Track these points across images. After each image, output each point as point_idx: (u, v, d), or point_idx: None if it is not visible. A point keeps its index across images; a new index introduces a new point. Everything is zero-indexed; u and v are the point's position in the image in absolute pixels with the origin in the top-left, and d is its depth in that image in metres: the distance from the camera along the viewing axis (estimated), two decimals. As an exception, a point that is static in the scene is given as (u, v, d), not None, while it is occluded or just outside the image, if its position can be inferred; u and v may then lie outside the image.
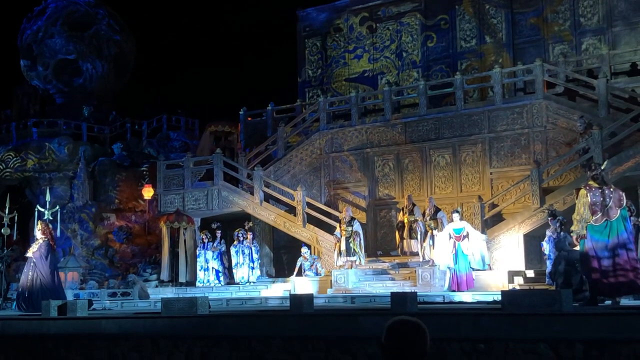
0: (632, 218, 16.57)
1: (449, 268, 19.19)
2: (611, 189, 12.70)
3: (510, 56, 25.89)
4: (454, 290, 18.69)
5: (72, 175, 32.08)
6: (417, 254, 21.77)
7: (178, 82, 42.02)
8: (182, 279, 25.17)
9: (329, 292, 21.02)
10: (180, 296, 20.31)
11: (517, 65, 24.15)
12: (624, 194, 12.84)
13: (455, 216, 19.69)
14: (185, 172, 26.64)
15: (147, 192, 30.02)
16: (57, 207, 22.26)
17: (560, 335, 9.87)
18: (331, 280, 21.62)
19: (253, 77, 40.23)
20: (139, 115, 36.95)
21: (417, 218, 21.95)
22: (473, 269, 19.18)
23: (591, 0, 24.92)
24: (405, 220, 22.35)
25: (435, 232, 20.59)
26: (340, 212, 23.57)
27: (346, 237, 21.96)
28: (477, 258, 19.15)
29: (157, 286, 25.10)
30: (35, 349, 14.08)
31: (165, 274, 25.43)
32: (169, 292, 23.32)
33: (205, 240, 24.58)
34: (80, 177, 31.71)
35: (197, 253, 24.74)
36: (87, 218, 30.72)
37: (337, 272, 21.62)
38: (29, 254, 18.52)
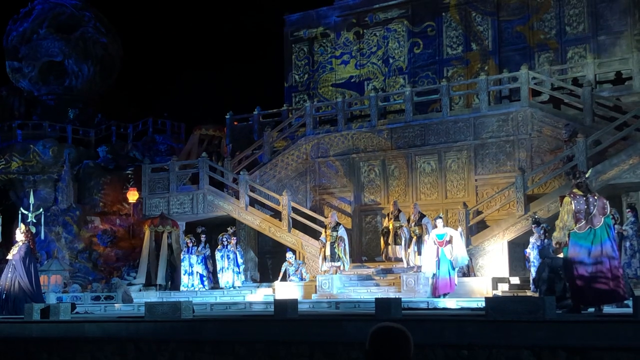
0: (616, 226, 16.69)
1: (434, 274, 19.25)
2: (595, 197, 12.77)
3: (496, 63, 26.02)
4: (437, 296, 18.75)
5: (57, 177, 31.94)
6: (401, 260, 21.81)
7: (164, 85, 41.94)
8: (159, 281, 25.06)
9: (314, 297, 21.01)
10: (164, 300, 20.23)
11: (502, 73, 24.27)
12: (608, 202, 12.91)
13: (439, 222, 19.74)
14: (171, 175, 26.57)
15: (132, 196, 29.93)
16: (41, 209, 22.15)
17: (543, 342, 9.91)
18: (316, 286, 21.61)
19: (240, 81, 40.22)
20: (125, 118, 36.87)
21: (402, 224, 22.00)
22: (453, 269, 19.10)
23: (577, 9, 25.09)
24: (391, 226, 22.39)
25: (425, 237, 20.62)
26: (325, 217, 23.57)
27: (331, 243, 21.97)
28: (459, 258, 19.19)
29: (140, 290, 24.99)
30: (18, 352, 13.97)
31: (142, 278, 25.29)
32: (153, 296, 23.23)
33: (190, 245, 24.52)
34: (64, 179, 31.58)
35: (182, 257, 24.66)
36: (71, 221, 30.58)
37: (322, 277, 21.62)
38: (9, 256, 18.40)
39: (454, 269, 19.12)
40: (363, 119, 26.17)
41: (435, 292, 19.01)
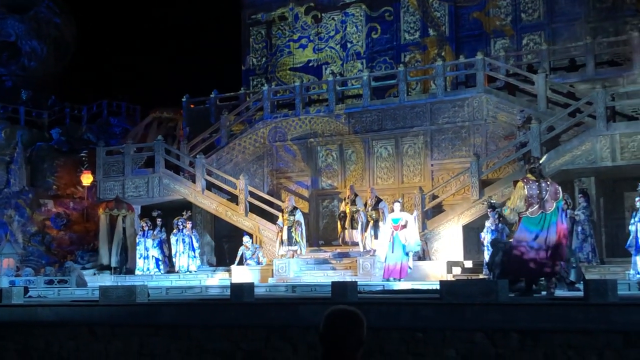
0: (568, 211, 16.98)
1: (386, 258, 19.30)
2: (548, 182, 12.97)
3: (453, 49, 26.18)
4: (386, 279, 18.80)
5: (9, 160, 31.35)
6: (358, 244, 21.91)
7: (120, 67, 41.35)
8: (113, 264, 24.85)
9: (271, 281, 21.02)
10: (119, 284, 20.06)
11: (459, 59, 24.45)
12: (560, 187, 13.13)
13: (397, 206, 19.83)
14: (126, 158, 26.28)
15: (86, 179, 29.55)
16: (-7, 192, 21.75)
17: (497, 324, 10.07)
18: (273, 270, 21.62)
19: (196, 64, 39.82)
20: (79, 100, 36.30)
21: (359, 208, 22.08)
22: (406, 254, 19.13)
23: (532, -3, 25.35)
24: (347, 211, 22.47)
25: (381, 222, 20.71)
26: (282, 202, 23.56)
27: (288, 227, 21.98)
28: (412, 243, 19.21)
29: (95, 274, 24.75)
30: (-32, 337, 13.76)
31: (104, 260, 25.08)
32: (107, 280, 23.02)
33: (146, 228, 24.32)
34: (17, 162, 31.03)
35: (137, 241, 24.45)
36: (23, 204, 30.09)
37: (279, 261, 21.64)
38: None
39: (407, 254, 19.17)
40: (321, 103, 26.16)
41: (386, 276, 19.05)
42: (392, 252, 19.08)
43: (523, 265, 12.63)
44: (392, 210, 20.01)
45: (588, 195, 19.96)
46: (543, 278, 12.88)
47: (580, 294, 11.32)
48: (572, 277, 14.03)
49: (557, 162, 20.22)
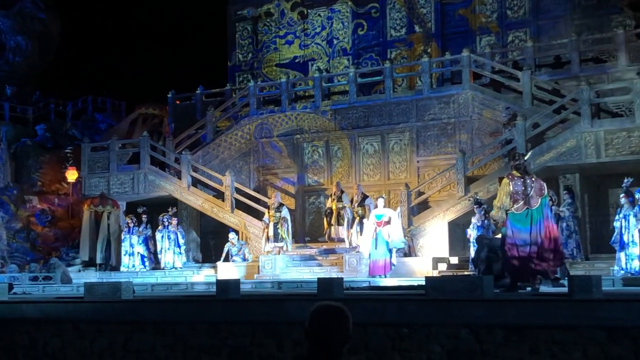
0: (553, 207, 17.05)
1: (370, 255, 19.26)
2: (533, 179, 13.02)
3: (439, 46, 26.24)
4: (372, 276, 18.79)
5: (-7, 156, 31.15)
6: (344, 241, 21.93)
7: (105, 63, 41.15)
8: (98, 261, 24.76)
9: (256, 277, 21.01)
10: (104, 281, 19.99)
11: (445, 56, 24.50)
12: (545, 184, 13.19)
13: (380, 202, 19.76)
14: (111, 155, 26.18)
15: (71, 175, 29.40)
16: (-23, 188, 21.61)
17: (481, 320, 10.11)
18: (259, 266, 21.61)
19: (182, 60, 39.71)
20: (64, 96, 36.10)
21: (345, 205, 22.09)
22: (389, 251, 19.11)
23: (518, -6, 25.44)
24: (334, 207, 22.48)
25: (364, 220, 20.71)
26: (268, 198, 23.55)
27: (274, 223, 21.97)
28: (395, 239, 19.15)
29: (80, 270, 24.66)
30: (-48, 335, 13.67)
31: (85, 256, 25.01)
32: (93, 277, 22.93)
33: (131, 225, 24.24)
34: (1, 158, 30.82)
35: (122, 237, 24.37)
36: (8, 200, 29.90)
37: (265, 257, 21.64)
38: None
39: (390, 250, 19.12)
40: (307, 99, 26.16)
41: (371, 273, 19.05)
42: (376, 248, 19.04)
43: (526, 267, 12.65)
44: (376, 206, 19.96)
45: (573, 191, 20.06)
46: (541, 276, 12.90)
47: (565, 290, 11.37)
48: (556, 274, 14.09)
49: (542, 159, 20.30)
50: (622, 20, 23.75)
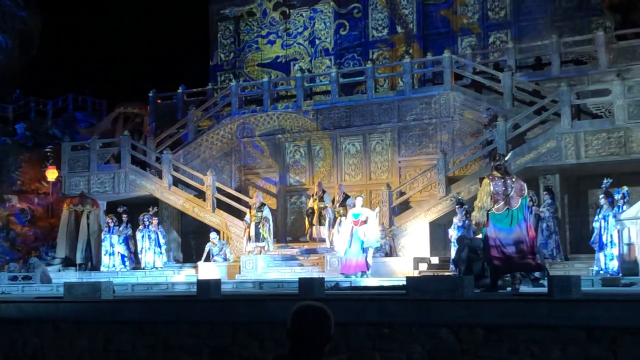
0: (533, 207, 17.16)
1: (345, 252, 19.15)
2: (513, 179, 13.11)
3: (421, 47, 26.32)
4: (344, 275, 18.67)
5: (-28, 155, 30.90)
6: (325, 240, 21.92)
7: (86, 61, 40.90)
8: (78, 261, 24.61)
9: (238, 277, 20.97)
10: (84, 281, 19.87)
11: (426, 56, 24.57)
12: (525, 184, 13.27)
13: (358, 201, 19.65)
14: (92, 154, 26.03)
15: (51, 174, 29.21)
16: (-45, 187, 21.42)
17: (462, 320, 10.15)
18: (240, 266, 21.57)
19: (164, 59, 39.54)
20: (44, 95, 35.87)
21: (327, 205, 22.10)
22: (365, 251, 18.98)
23: (499, -5, 25.58)
24: (315, 207, 22.48)
25: (343, 218, 20.71)
26: (250, 198, 23.51)
27: (256, 223, 21.94)
28: (371, 239, 19.03)
29: (60, 270, 24.49)
30: None
31: (61, 254, 24.86)
32: (72, 277, 22.79)
33: (111, 224, 24.11)
34: (-20, 157, 30.58)
35: (103, 237, 24.24)
36: (-13, 199, 29.67)
37: (246, 257, 21.60)
38: None
39: (364, 249, 18.87)
40: (289, 99, 26.14)
41: (343, 271, 18.85)
42: (350, 247, 18.95)
43: (506, 266, 12.73)
44: (354, 206, 19.85)
45: (553, 192, 20.19)
46: (524, 272, 13.03)
47: (545, 290, 11.44)
48: (536, 274, 14.19)
49: (522, 160, 20.41)
50: (602, 22, 23.94)
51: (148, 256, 23.69)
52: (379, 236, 19.58)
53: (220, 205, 24.21)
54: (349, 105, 24.28)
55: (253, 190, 24.66)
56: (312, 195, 23.05)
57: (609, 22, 23.81)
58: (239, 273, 21.38)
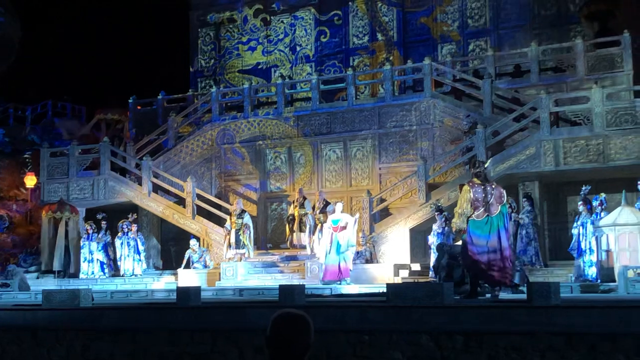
0: (512, 214, 17.26)
1: (325, 259, 19.09)
2: (493, 186, 13.16)
3: (401, 54, 26.42)
4: (325, 282, 18.61)
5: (-50, 161, 30.60)
6: (306, 247, 21.90)
7: (65, 67, 40.68)
8: (57, 267, 24.41)
9: (218, 284, 20.89)
10: (63, 288, 19.71)
11: (407, 64, 24.67)
12: (504, 191, 13.33)
13: (338, 207, 19.58)
14: (70, 160, 25.85)
15: (30, 181, 28.98)
16: None
17: (442, 327, 10.17)
18: (220, 273, 21.50)
19: (144, 65, 39.39)
20: (23, 101, 35.62)
21: (308, 211, 22.09)
22: (344, 257, 18.89)
23: (479, 3, 25.76)
24: (296, 214, 22.47)
25: (324, 225, 20.67)
26: (231, 205, 23.45)
27: (236, 230, 21.89)
28: (348, 242, 18.94)
29: (38, 277, 24.28)
30: None
31: (48, 265, 24.62)
32: (51, 284, 22.60)
33: (90, 231, 23.94)
34: (-42, 163, 30.30)
35: (81, 244, 24.06)
36: (-36, 206, 29.38)
37: (226, 264, 21.53)
38: None
39: (341, 254, 18.73)
40: (270, 106, 26.13)
41: (325, 278, 18.79)
42: (329, 253, 18.90)
43: (485, 273, 12.76)
44: (333, 211, 19.80)
45: (532, 199, 20.29)
46: (486, 284, 13.04)
47: (524, 296, 11.49)
48: (516, 280, 14.24)
49: (501, 167, 20.52)
50: (580, 30, 24.17)
51: (127, 263, 23.55)
52: (353, 241, 19.35)
53: (201, 212, 24.13)
54: (329, 112, 24.31)
55: (233, 197, 24.61)
56: (293, 202, 23.03)
57: (587, 30, 24.03)
58: (219, 280, 21.31)
